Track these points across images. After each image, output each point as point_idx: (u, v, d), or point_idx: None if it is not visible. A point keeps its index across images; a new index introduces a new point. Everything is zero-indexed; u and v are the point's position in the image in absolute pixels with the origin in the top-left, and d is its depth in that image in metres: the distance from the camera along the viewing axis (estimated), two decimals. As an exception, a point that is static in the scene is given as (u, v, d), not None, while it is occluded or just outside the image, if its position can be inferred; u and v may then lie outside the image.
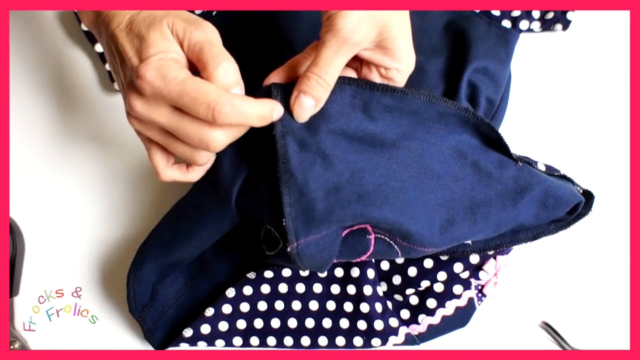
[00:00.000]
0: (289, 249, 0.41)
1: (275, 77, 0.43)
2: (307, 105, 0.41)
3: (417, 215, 0.43)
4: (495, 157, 0.47)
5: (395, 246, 0.45)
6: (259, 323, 0.51)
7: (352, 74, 0.45)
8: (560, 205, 0.46)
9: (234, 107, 0.37)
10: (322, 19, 0.41)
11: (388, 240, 0.45)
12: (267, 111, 0.40)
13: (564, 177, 0.49)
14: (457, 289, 0.51)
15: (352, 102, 0.43)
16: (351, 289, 0.51)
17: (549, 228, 0.48)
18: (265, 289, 0.51)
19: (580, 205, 0.47)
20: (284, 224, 0.41)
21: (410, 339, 0.51)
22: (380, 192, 0.42)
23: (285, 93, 0.42)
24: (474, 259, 0.50)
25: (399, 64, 0.42)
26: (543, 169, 0.49)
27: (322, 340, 0.51)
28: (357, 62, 0.44)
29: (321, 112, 0.42)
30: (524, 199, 0.45)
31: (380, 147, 0.44)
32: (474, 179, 0.46)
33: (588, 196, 0.48)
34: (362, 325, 0.51)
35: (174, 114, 0.39)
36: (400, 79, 0.43)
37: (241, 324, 0.51)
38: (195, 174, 0.44)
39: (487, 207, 0.45)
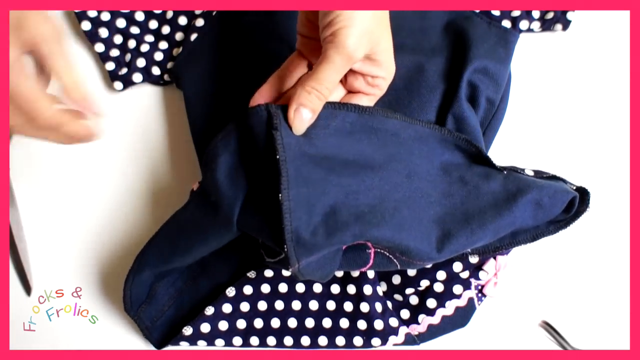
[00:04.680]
0: (290, 270, 0.41)
1: (261, 98, 0.44)
2: (306, 118, 0.42)
3: (414, 232, 0.44)
4: (480, 170, 0.47)
5: (395, 260, 0.45)
6: (259, 323, 0.51)
7: (339, 87, 0.45)
8: (557, 203, 0.46)
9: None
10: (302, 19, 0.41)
11: (387, 254, 0.45)
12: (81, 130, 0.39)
13: (555, 177, 0.49)
14: (457, 288, 0.51)
15: (342, 127, 0.44)
16: (351, 289, 0.51)
17: (548, 229, 0.48)
18: (265, 288, 0.51)
19: (576, 201, 0.47)
20: (286, 249, 0.41)
21: (410, 339, 0.51)
22: (375, 212, 0.43)
23: (283, 112, 0.42)
24: (474, 259, 0.50)
25: (386, 73, 0.44)
26: (531, 174, 0.49)
27: (322, 340, 0.51)
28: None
29: (316, 138, 0.43)
30: (518, 203, 0.45)
31: (370, 169, 0.44)
32: (462, 194, 0.46)
33: (583, 193, 0.48)
34: (362, 325, 0.51)
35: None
36: (385, 86, 0.45)
37: (241, 324, 0.51)
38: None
39: (482, 217, 0.45)
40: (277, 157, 0.40)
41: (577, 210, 0.48)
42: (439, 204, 0.46)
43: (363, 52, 0.40)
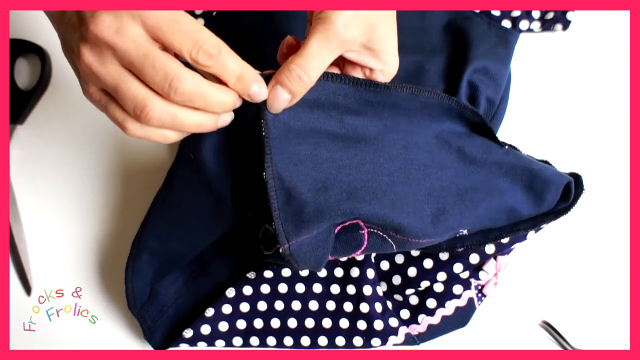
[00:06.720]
0: (281, 250, 0.41)
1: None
2: (281, 98, 0.39)
3: (407, 208, 0.43)
4: (481, 142, 0.47)
5: (389, 239, 0.45)
6: (258, 323, 0.51)
7: (335, 70, 0.44)
8: (550, 189, 0.46)
9: (194, 84, 0.35)
10: (310, 18, 0.40)
11: (381, 234, 0.45)
12: (230, 99, 0.37)
13: (546, 163, 0.49)
14: (457, 289, 0.51)
15: (334, 100, 0.42)
16: (351, 289, 0.51)
17: (548, 216, 0.48)
18: (265, 289, 0.51)
19: (571, 186, 0.47)
20: (274, 226, 0.41)
21: (410, 339, 0.51)
22: (368, 188, 0.42)
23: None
24: (474, 258, 0.50)
25: (384, 66, 0.41)
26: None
27: (322, 340, 0.51)
28: (340, 62, 0.44)
29: (306, 111, 0.42)
30: (509, 182, 0.45)
31: (364, 142, 0.43)
32: (458, 166, 0.46)
33: (576, 178, 0.48)
34: (362, 325, 0.51)
35: (122, 71, 0.35)
36: (383, 81, 0.43)
37: (241, 324, 0.51)
38: (172, 134, 0.39)
39: (474, 193, 0.45)
40: (262, 134, 0.40)
41: (574, 196, 0.47)
42: (435, 177, 0.45)
43: (355, 35, 0.38)
